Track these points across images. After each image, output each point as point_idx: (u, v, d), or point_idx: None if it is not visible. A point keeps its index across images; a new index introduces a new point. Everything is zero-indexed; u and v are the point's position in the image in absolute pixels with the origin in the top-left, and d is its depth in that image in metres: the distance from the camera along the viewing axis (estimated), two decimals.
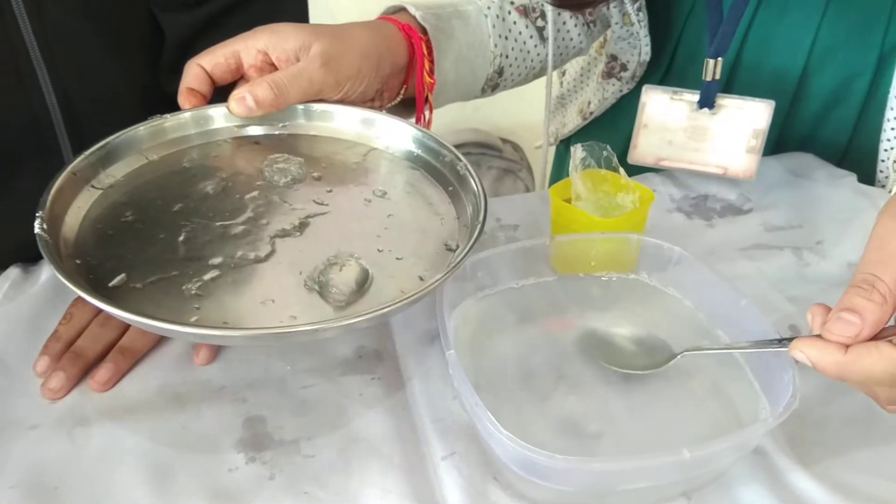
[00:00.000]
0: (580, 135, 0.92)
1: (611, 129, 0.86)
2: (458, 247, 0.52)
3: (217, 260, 0.49)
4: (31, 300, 0.58)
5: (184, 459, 0.48)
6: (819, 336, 0.42)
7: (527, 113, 1.17)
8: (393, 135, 0.60)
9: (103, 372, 0.52)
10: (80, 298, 0.55)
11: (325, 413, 0.51)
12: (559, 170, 1.02)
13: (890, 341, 0.40)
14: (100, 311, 0.55)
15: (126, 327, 0.55)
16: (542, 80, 0.81)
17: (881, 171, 0.74)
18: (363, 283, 0.48)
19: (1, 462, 0.47)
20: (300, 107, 0.60)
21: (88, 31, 0.61)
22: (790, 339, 0.43)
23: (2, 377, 0.53)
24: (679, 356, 0.50)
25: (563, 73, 0.95)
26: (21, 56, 0.58)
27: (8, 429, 0.49)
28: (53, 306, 0.57)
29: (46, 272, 0.61)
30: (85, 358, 0.53)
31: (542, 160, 0.86)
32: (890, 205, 0.43)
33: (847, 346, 0.40)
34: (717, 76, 0.70)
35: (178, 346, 0.56)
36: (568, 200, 0.61)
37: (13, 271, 0.61)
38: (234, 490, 0.46)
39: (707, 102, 0.70)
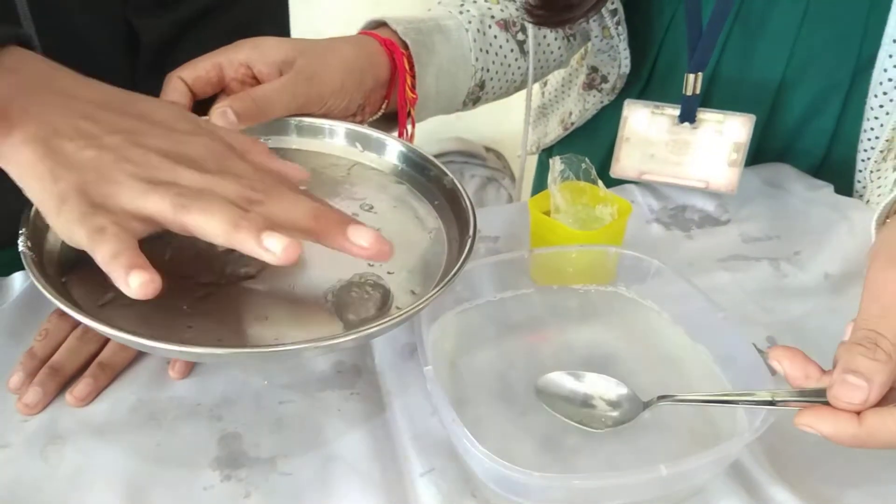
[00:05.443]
0: (562, 145, 0.93)
1: (592, 140, 0.86)
2: (446, 261, 0.51)
3: (207, 278, 0.48)
4: (3, 316, 0.57)
5: (158, 477, 0.47)
6: (824, 403, 0.39)
7: (510, 122, 1.18)
8: (378, 149, 0.60)
9: (82, 387, 0.51)
10: (55, 314, 0.55)
11: (302, 429, 0.51)
12: (542, 177, 1.02)
13: None
14: (77, 325, 0.54)
15: (105, 341, 0.54)
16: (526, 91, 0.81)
17: (859, 182, 0.75)
18: (383, 306, 0.48)
19: None
20: (284, 120, 0.60)
21: (63, 44, 0.60)
22: (784, 401, 0.41)
23: None
24: (647, 409, 0.47)
25: (545, 84, 0.95)
26: None
27: None
28: (25, 323, 0.56)
29: (17, 287, 0.60)
30: (63, 373, 0.52)
31: (519, 172, 0.86)
32: (879, 252, 0.41)
33: (858, 414, 0.38)
34: (698, 91, 0.70)
35: (153, 362, 0.55)
36: (547, 213, 0.61)
37: None
38: None
39: (688, 117, 0.71)
